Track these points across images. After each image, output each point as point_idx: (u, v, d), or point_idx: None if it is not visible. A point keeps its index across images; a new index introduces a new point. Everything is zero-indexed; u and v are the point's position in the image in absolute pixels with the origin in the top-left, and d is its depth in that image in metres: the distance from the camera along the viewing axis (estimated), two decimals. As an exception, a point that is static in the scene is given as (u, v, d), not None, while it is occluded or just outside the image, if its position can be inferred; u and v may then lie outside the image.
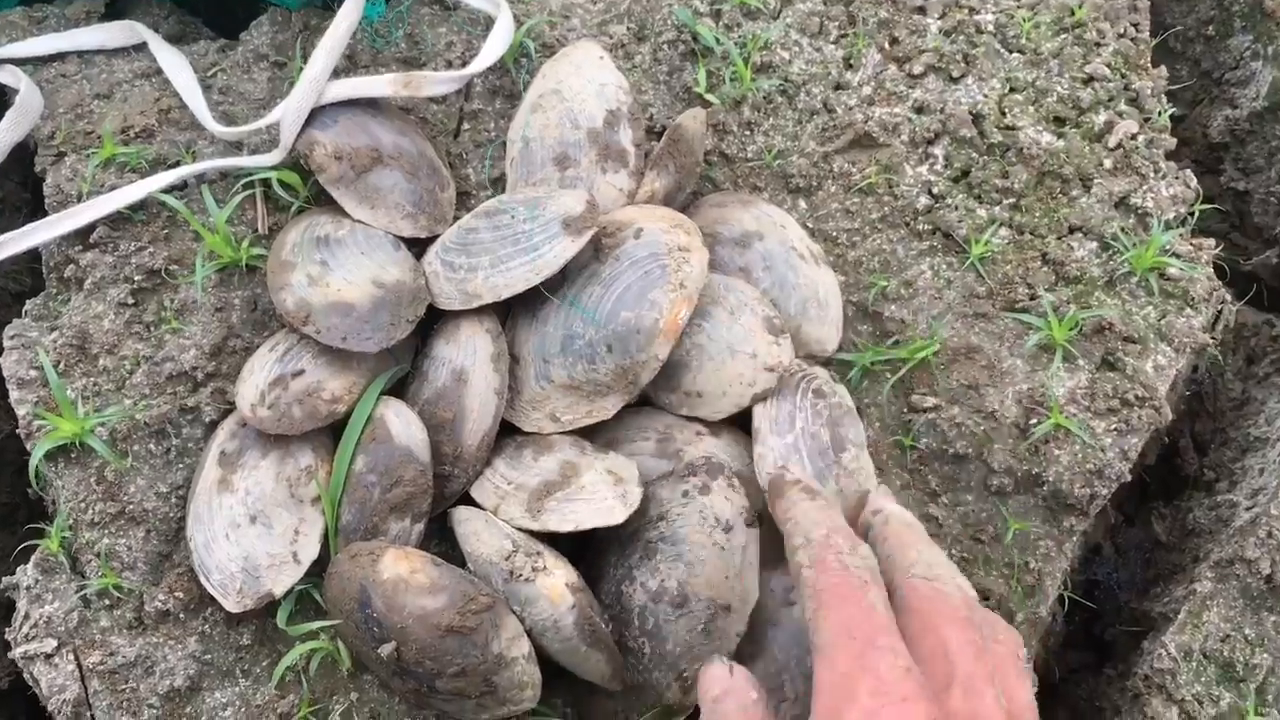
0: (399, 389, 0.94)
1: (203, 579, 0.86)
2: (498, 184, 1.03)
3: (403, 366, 0.94)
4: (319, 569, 0.87)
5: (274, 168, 0.97)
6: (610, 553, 0.86)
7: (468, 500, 0.90)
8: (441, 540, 0.94)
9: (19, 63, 1.04)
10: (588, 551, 0.89)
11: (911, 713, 0.62)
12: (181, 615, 0.88)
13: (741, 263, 0.95)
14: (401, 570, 0.79)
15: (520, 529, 0.83)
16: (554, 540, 0.85)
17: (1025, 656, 0.71)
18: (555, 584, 0.79)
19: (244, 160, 0.98)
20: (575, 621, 0.79)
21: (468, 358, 0.90)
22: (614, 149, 0.98)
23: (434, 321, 0.95)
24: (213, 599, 0.88)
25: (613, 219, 0.93)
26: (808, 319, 0.95)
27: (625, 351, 0.88)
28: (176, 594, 0.88)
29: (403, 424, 0.87)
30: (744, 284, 0.94)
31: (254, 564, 0.85)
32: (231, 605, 0.84)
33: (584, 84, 1.00)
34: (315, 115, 0.97)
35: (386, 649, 0.79)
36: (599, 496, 0.85)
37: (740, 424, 0.93)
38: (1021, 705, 0.67)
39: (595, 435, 0.92)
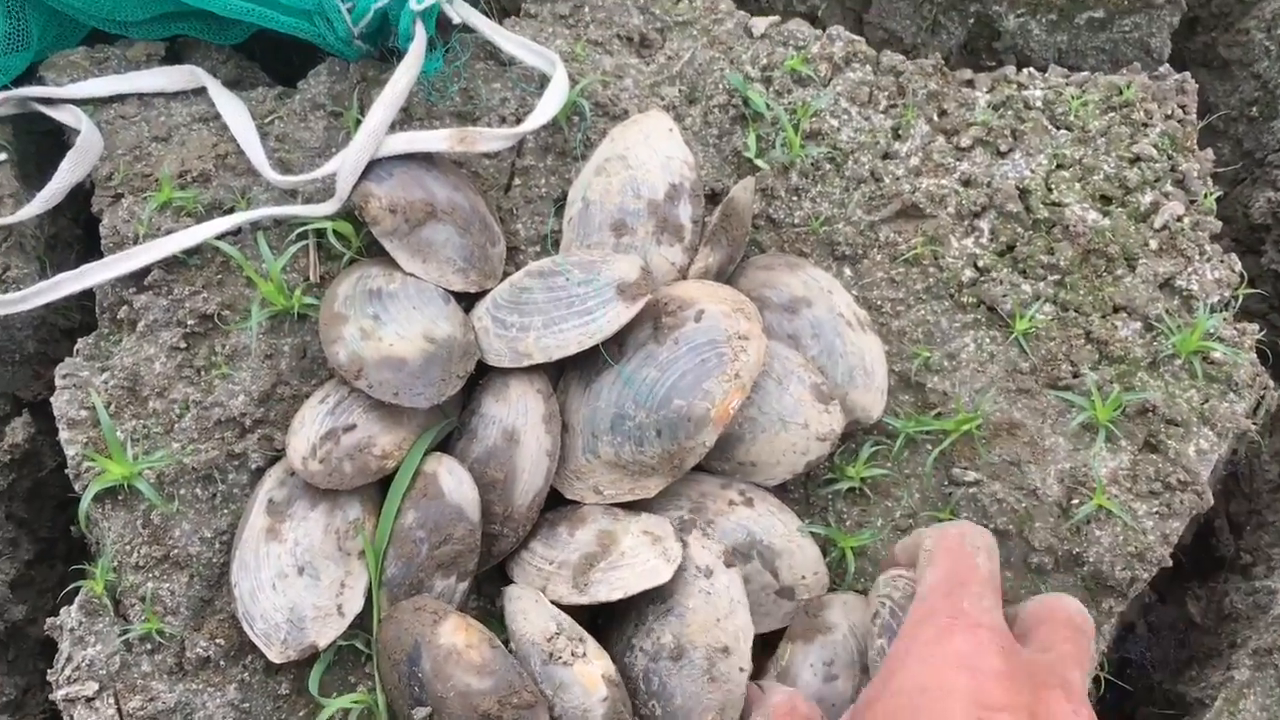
0: (445, 444, 0.95)
1: (246, 627, 0.86)
2: (546, 240, 1.04)
3: (450, 421, 0.95)
4: (360, 622, 0.88)
5: (329, 218, 0.98)
6: (611, 634, 0.87)
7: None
8: (480, 597, 0.94)
9: (80, 103, 1.06)
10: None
11: (983, 638, 0.65)
12: (222, 662, 0.89)
13: (790, 329, 0.96)
14: (459, 641, 0.79)
15: (570, 605, 0.84)
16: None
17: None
18: (592, 673, 0.80)
19: (299, 209, 0.99)
20: (605, 714, 0.79)
21: (519, 418, 0.91)
22: (672, 223, 0.99)
23: (480, 376, 0.96)
24: (254, 647, 0.88)
25: (675, 295, 0.93)
26: (854, 386, 0.96)
27: (674, 438, 0.88)
28: (218, 640, 0.89)
29: (455, 481, 0.87)
30: (790, 350, 0.95)
31: (300, 615, 0.85)
32: (275, 655, 0.85)
33: (650, 154, 1.01)
34: (371, 168, 0.98)
35: (421, 713, 0.79)
36: (641, 559, 0.85)
37: (782, 489, 0.95)
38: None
39: (630, 503, 0.92)
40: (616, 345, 0.92)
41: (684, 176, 1.02)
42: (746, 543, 0.90)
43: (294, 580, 0.86)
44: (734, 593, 0.85)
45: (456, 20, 1.05)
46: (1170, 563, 0.92)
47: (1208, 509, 0.94)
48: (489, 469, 0.90)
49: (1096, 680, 0.95)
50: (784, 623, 0.90)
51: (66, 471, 0.93)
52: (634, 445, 0.90)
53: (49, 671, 0.89)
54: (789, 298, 0.98)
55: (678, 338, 0.90)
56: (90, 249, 1.11)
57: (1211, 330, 0.98)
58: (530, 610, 0.84)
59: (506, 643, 0.85)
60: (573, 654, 0.80)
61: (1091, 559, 0.92)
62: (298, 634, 0.85)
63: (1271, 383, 1.00)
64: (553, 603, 0.85)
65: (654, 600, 0.85)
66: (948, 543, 0.78)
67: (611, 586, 0.83)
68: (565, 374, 0.97)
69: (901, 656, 0.71)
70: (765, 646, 0.89)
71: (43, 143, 1.12)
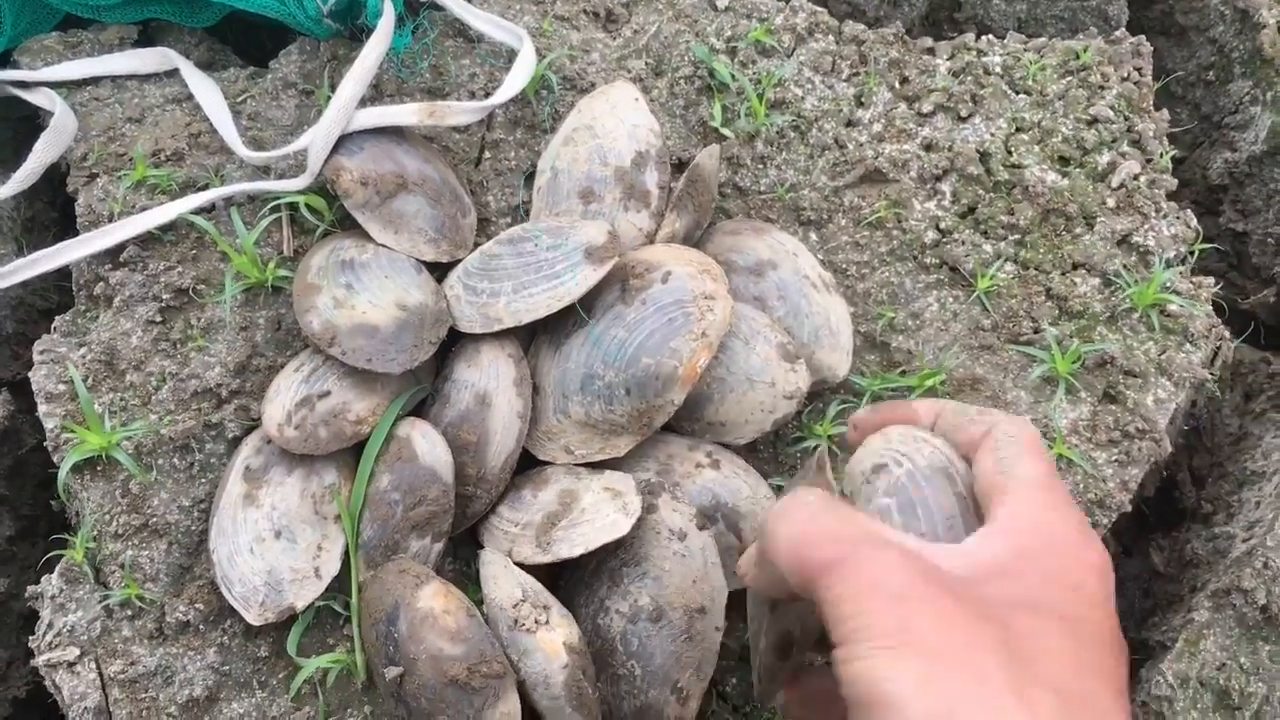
0: (418, 410, 0.96)
1: (225, 591, 0.87)
2: (517, 212, 1.06)
3: (424, 387, 0.97)
4: (338, 585, 0.89)
5: (301, 192, 1.00)
6: (578, 597, 0.88)
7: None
8: (456, 559, 0.96)
9: (54, 85, 1.07)
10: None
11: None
12: (201, 626, 0.90)
13: (756, 291, 0.98)
14: (436, 606, 0.81)
15: (536, 565, 0.85)
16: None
17: None
18: (554, 640, 0.81)
19: (272, 184, 1.01)
20: (565, 681, 0.80)
21: (490, 381, 0.93)
22: (638, 189, 1.01)
23: (453, 344, 0.98)
24: (233, 611, 0.90)
25: (642, 259, 0.95)
26: (820, 346, 0.98)
27: (643, 396, 0.90)
28: (197, 605, 0.90)
29: (428, 445, 0.89)
30: (756, 312, 0.96)
31: (277, 578, 0.87)
32: (253, 618, 0.86)
33: (617, 124, 1.03)
34: (342, 142, 0.99)
35: (393, 672, 0.81)
36: (601, 514, 0.87)
37: (751, 449, 0.97)
38: None
39: (598, 464, 0.94)
40: (586, 309, 0.94)
41: (650, 144, 1.03)
42: (712, 505, 0.92)
43: (271, 544, 0.87)
44: (708, 554, 0.86)
45: (424, -3, 1.07)
46: (1129, 508, 0.94)
47: (1166, 456, 0.97)
48: (462, 432, 0.91)
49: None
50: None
51: (46, 445, 0.94)
52: (604, 404, 0.91)
53: (30, 639, 0.90)
54: (755, 261, 1.00)
55: (645, 299, 0.92)
56: (67, 230, 1.12)
57: (1168, 284, 1.00)
58: (500, 576, 0.85)
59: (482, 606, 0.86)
60: (536, 621, 0.82)
61: (1054, 508, 0.93)
62: (275, 596, 0.87)
63: (1228, 334, 1.02)
64: (519, 564, 0.87)
65: (628, 563, 0.86)
66: (1037, 442, 0.68)
67: (573, 544, 0.85)
68: (536, 338, 0.99)
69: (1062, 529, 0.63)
70: (727, 610, 0.91)
71: (19, 128, 1.14)
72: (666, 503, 0.88)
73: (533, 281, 0.94)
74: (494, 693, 0.79)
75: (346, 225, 1.01)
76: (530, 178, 1.06)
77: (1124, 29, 1.16)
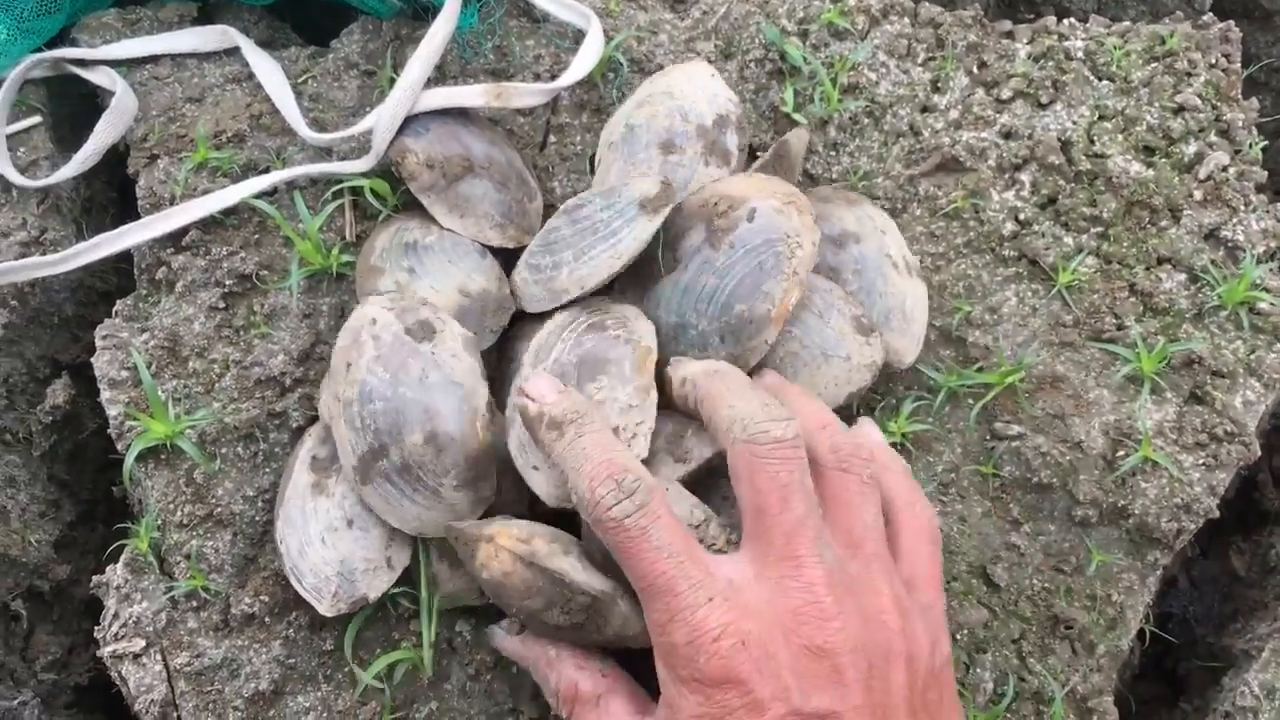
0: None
1: (295, 583, 0.86)
2: (583, 197, 1.03)
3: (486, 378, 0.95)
4: (405, 576, 0.88)
5: (365, 175, 0.98)
6: None
7: None
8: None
9: (114, 64, 1.05)
10: None
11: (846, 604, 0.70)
12: (266, 619, 0.89)
13: (833, 262, 0.95)
14: (495, 570, 0.79)
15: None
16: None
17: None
18: None
19: (336, 166, 0.99)
20: None
21: None
22: (719, 147, 0.98)
23: (511, 329, 0.96)
24: (298, 603, 0.88)
25: (724, 192, 0.92)
26: (889, 329, 0.95)
27: (737, 341, 0.88)
28: (262, 597, 0.89)
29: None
30: (829, 283, 0.94)
31: (350, 568, 0.85)
32: (326, 609, 0.85)
33: (696, 90, 1.00)
34: (408, 123, 0.97)
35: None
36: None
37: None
38: None
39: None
40: (671, 253, 0.92)
41: (730, 110, 1.00)
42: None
43: (343, 533, 0.86)
44: None
45: (491, -25, 1.04)
46: (1217, 514, 0.91)
47: (1254, 461, 0.94)
48: None
49: (1141, 634, 0.94)
50: None
51: (109, 433, 0.93)
52: (698, 352, 0.90)
53: (96, 629, 0.89)
54: (839, 231, 0.96)
55: (732, 241, 0.89)
56: (126, 211, 1.11)
57: (1258, 281, 0.97)
58: (676, 499, 0.81)
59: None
60: (728, 541, 0.78)
61: (1137, 511, 0.91)
62: (349, 587, 0.85)
63: (1319, 333, 0.99)
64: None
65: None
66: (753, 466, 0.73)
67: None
68: (618, 294, 0.96)
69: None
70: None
71: (77, 105, 1.12)
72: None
73: (591, 245, 0.91)
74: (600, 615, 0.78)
75: (410, 209, 0.99)
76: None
77: (1210, 13, 1.11)
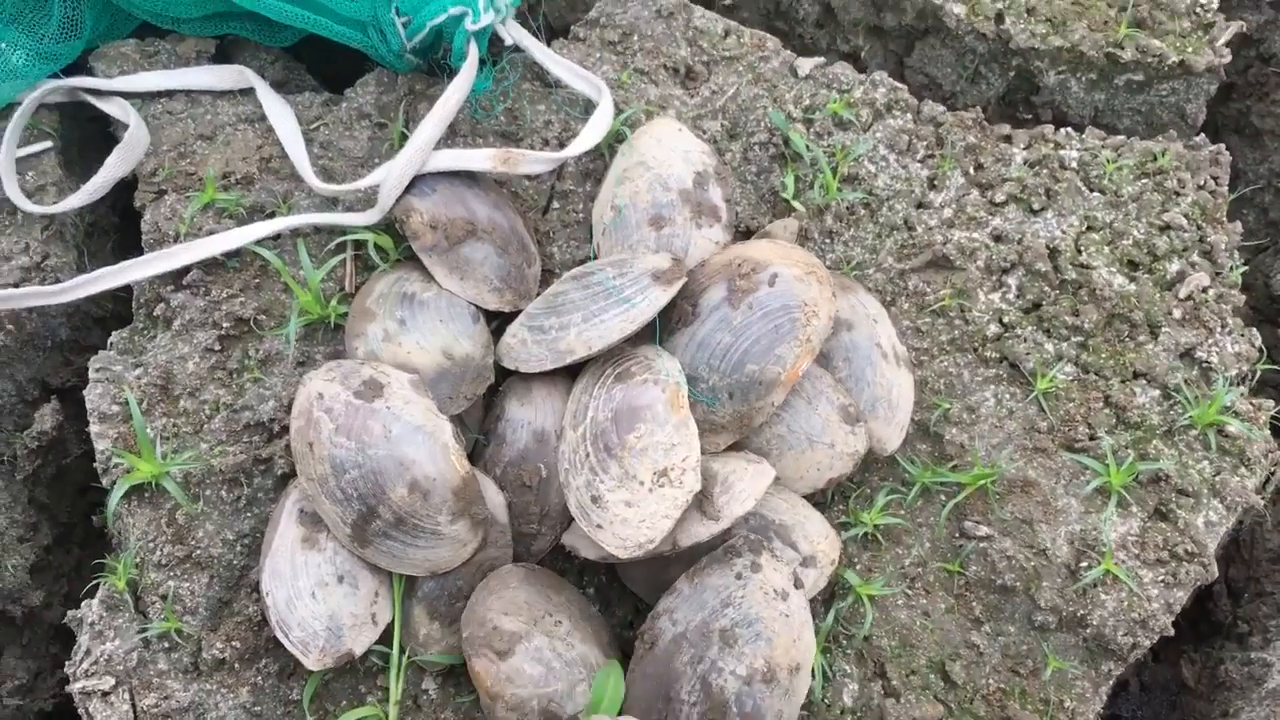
0: (472, 453, 0.96)
1: (280, 635, 0.87)
2: (581, 265, 1.05)
3: (473, 437, 0.97)
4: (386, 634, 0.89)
5: (369, 228, 0.99)
6: (680, 654, 0.87)
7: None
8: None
9: (128, 96, 1.06)
10: (646, 662, 0.88)
11: None
12: (236, 665, 0.90)
13: (825, 347, 0.97)
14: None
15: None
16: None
17: None
18: None
19: (341, 218, 1.00)
20: None
21: (546, 418, 0.94)
22: (706, 205, 1.02)
23: (499, 384, 0.98)
24: (268, 650, 0.90)
25: (749, 256, 0.95)
26: (875, 417, 0.97)
27: (745, 399, 0.91)
28: (234, 643, 0.90)
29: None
30: (820, 370, 0.96)
31: (338, 623, 0.87)
32: (312, 663, 0.86)
33: (668, 153, 1.03)
34: (415, 182, 0.99)
35: None
36: (744, 472, 0.91)
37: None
38: None
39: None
40: (690, 306, 0.95)
41: (705, 164, 1.04)
42: (763, 525, 0.92)
43: (334, 589, 0.87)
44: (804, 612, 0.88)
45: (509, 41, 1.06)
46: (1172, 631, 0.94)
47: (1212, 580, 0.96)
48: (523, 472, 0.92)
49: (1090, 739, 0.97)
50: (811, 593, 0.92)
51: (95, 466, 0.94)
52: (706, 407, 0.92)
53: (67, 663, 0.90)
54: (832, 316, 0.99)
55: (751, 303, 0.92)
56: (127, 237, 1.12)
57: (1228, 404, 1.00)
58: None
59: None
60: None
61: (1095, 622, 0.93)
62: (335, 641, 0.87)
63: (1282, 457, 1.02)
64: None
65: (740, 624, 0.86)
66: None
67: (741, 499, 0.88)
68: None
69: None
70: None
71: (85, 129, 1.13)
72: (769, 561, 0.88)
73: (603, 309, 0.94)
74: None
75: (412, 260, 1.00)
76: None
77: (1202, 134, 1.15)
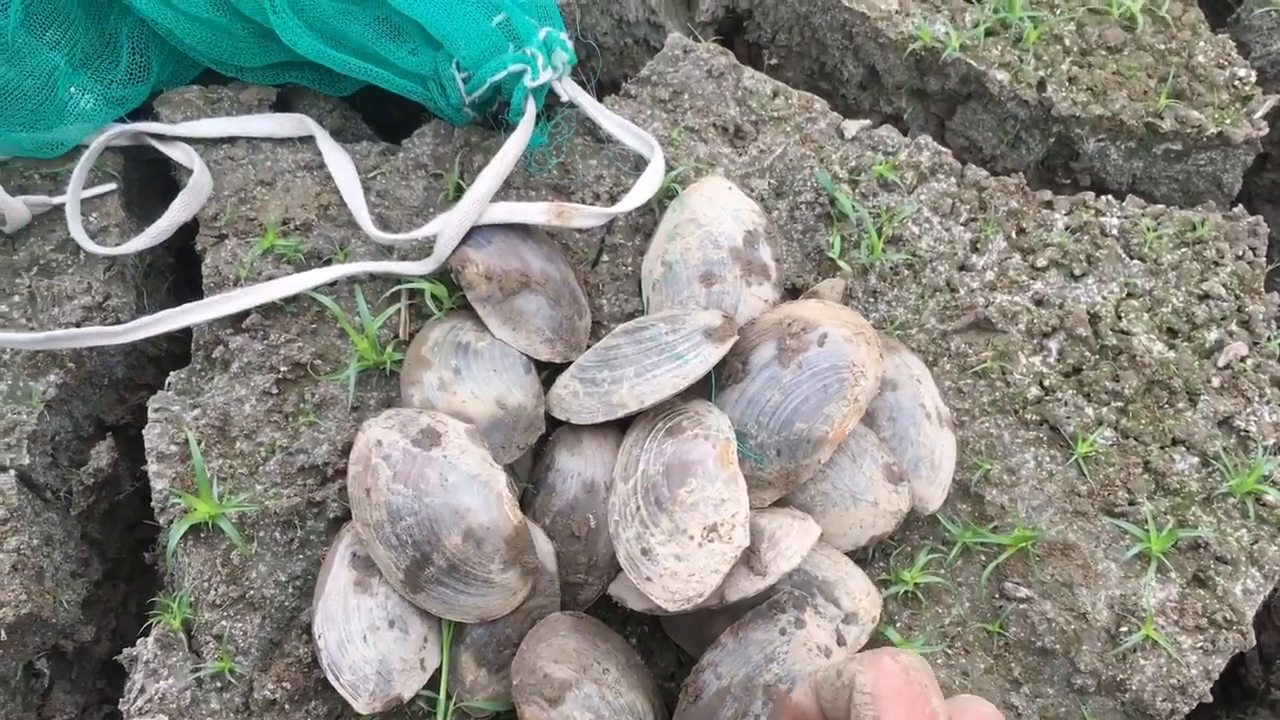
0: (520, 503, 0.97)
1: (331, 677, 0.88)
2: (630, 318, 1.07)
3: (522, 485, 0.98)
4: (433, 679, 0.91)
5: (425, 277, 1.02)
6: (724, 707, 0.88)
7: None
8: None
9: (192, 142, 1.09)
10: (690, 715, 0.90)
11: None
12: (286, 706, 0.91)
13: (870, 406, 0.99)
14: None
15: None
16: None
17: None
18: None
19: (398, 267, 1.03)
20: None
21: (596, 469, 0.95)
22: (756, 264, 1.04)
23: (549, 433, 1.00)
24: (318, 692, 0.91)
25: (799, 315, 0.97)
26: (918, 477, 0.99)
27: (793, 457, 0.93)
28: (284, 684, 0.91)
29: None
30: (865, 429, 0.98)
31: (388, 668, 0.88)
32: (362, 707, 0.87)
33: (718, 211, 1.06)
34: (471, 234, 1.01)
35: None
36: (791, 530, 0.92)
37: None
38: None
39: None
40: (740, 363, 0.97)
41: (755, 223, 1.06)
42: (806, 581, 0.93)
43: (385, 633, 0.89)
44: None
45: (565, 98, 1.09)
46: (1210, 698, 0.94)
47: (1250, 649, 0.97)
48: (571, 521, 0.94)
49: (1125, 802, 0.97)
50: (853, 650, 0.92)
51: (152, 505, 0.95)
52: (753, 463, 0.94)
53: (121, 700, 0.91)
54: (878, 376, 1.01)
55: (801, 362, 0.94)
56: (182, 278, 1.14)
57: (1267, 473, 1.01)
58: None
59: None
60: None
61: (1134, 687, 0.94)
62: (385, 686, 0.88)
63: (1320, 529, 1.03)
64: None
65: (783, 679, 0.87)
66: (892, 682, 0.64)
67: (789, 556, 0.89)
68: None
69: None
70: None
71: (144, 171, 1.16)
72: (812, 617, 0.90)
73: (656, 364, 0.96)
74: None
75: (466, 309, 1.02)
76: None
77: (1240, 205, 1.17)
